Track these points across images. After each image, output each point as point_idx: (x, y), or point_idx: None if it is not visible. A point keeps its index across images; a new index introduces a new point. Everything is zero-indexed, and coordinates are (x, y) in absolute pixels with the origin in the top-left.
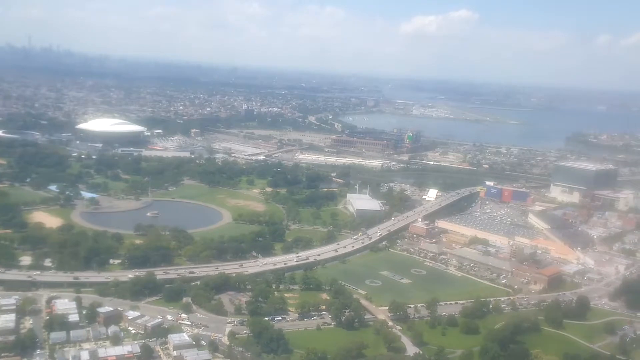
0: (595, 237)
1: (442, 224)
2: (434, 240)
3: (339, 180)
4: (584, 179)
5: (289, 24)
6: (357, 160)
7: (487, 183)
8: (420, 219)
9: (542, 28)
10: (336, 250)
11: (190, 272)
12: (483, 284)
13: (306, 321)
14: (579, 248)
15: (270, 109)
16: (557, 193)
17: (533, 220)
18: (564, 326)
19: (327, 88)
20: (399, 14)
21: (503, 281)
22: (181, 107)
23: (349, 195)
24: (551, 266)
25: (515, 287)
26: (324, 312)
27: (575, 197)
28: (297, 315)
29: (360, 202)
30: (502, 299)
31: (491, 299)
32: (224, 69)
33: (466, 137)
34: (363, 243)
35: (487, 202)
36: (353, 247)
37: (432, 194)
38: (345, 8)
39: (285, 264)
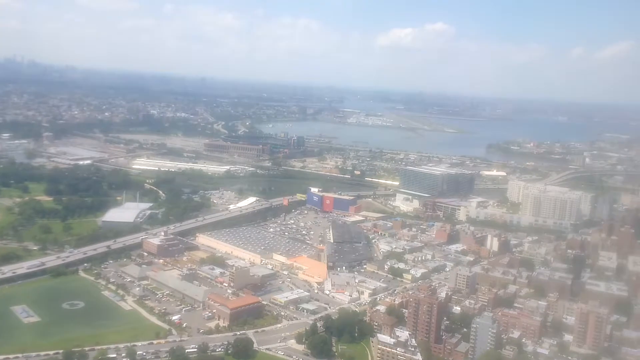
0: (381, 252)
1: (202, 238)
2: (169, 259)
3: (153, 187)
4: (429, 186)
5: (265, 36)
6: (200, 166)
7: (312, 190)
8: (163, 233)
9: (518, 41)
10: None
11: None
12: (145, 322)
13: None
14: (343, 267)
15: (178, 114)
16: (400, 201)
17: (329, 233)
18: None
19: (286, 98)
20: (376, 26)
21: (176, 317)
22: (76, 112)
23: (126, 205)
24: (247, 296)
25: (185, 324)
26: None
27: (415, 206)
28: None
29: (114, 212)
30: (138, 344)
31: (110, 347)
32: (191, 80)
33: (377, 144)
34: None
35: (306, 210)
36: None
37: (246, 202)
38: (319, 20)
39: None
